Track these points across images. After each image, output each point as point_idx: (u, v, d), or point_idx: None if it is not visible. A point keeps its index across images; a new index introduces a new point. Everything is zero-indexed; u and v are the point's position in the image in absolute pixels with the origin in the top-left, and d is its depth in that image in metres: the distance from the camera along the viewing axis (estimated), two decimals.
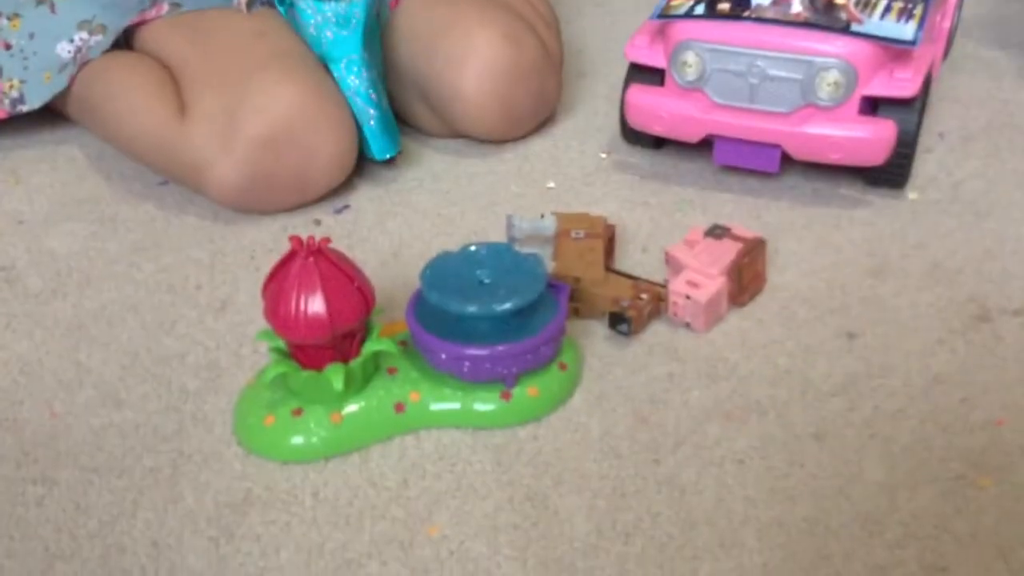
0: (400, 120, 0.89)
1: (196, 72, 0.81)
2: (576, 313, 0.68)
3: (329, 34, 0.81)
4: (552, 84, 0.88)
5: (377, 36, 0.85)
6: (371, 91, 0.82)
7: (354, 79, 0.82)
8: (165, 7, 0.86)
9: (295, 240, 0.58)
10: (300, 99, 0.77)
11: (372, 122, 0.82)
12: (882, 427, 0.59)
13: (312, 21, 0.82)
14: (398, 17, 0.87)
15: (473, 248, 0.64)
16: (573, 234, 0.70)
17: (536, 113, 0.88)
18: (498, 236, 0.77)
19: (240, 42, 0.81)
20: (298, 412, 0.60)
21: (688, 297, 0.66)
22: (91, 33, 0.87)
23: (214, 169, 0.77)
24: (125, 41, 0.88)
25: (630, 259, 0.75)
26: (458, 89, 0.83)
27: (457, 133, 0.88)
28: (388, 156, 0.83)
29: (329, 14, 0.81)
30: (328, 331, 0.57)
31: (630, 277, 0.70)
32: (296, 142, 0.77)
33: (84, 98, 0.87)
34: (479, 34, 0.83)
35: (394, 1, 0.88)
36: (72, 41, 0.87)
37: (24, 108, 0.89)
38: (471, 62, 0.82)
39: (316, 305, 0.57)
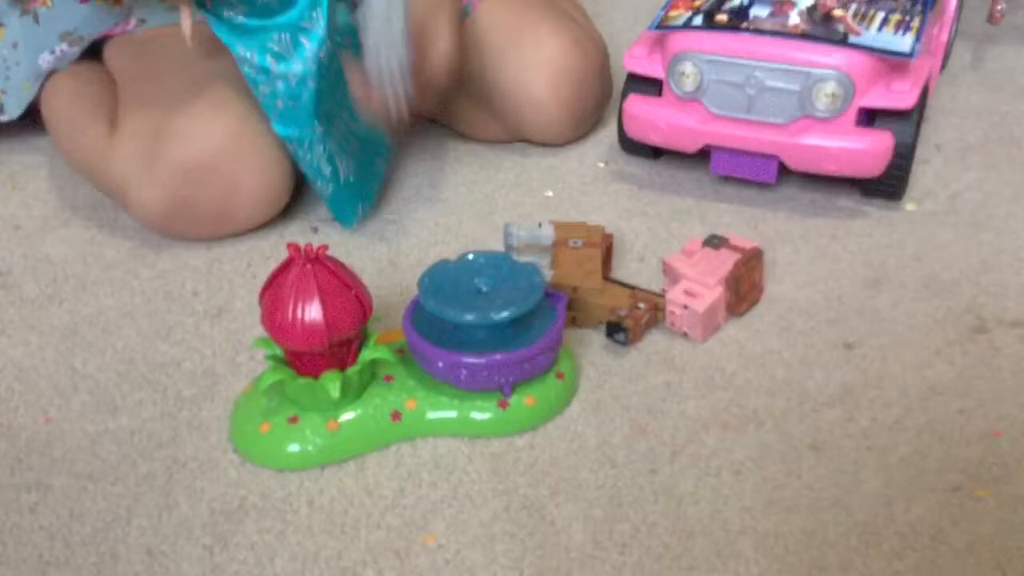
0: (448, 126, 0.91)
1: (132, 90, 0.81)
2: (573, 322, 0.68)
3: (279, 104, 0.73)
4: (608, 87, 0.90)
5: (343, 81, 0.75)
6: (327, 166, 0.76)
7: (305, 154, 0.75)
8: (132, 22, 0.85)
9: (293, 247, 0.58)
10: (228, 130, 0.75)
11: (327, 195, 0.78)
12: (879, 438, 0.59)
13: (259, 89, 0.73)
14: (482, 17, 0.86)
15: (471, 257, 0.64)
16: (571, 243, 0.70)
17: (596, 115, 0.90)
18: (496, 245, 0.77)
19: (181, 65, 0.80)
20: (294, 420, 0.59)
21: (686, 307, 0.66)
22: (71, 44, 0.87)
23: (136, 191, 0.75)
24: (95, 54, 0.88)
25: (628, 268, 0.75)
26: (532, 95, 0.84)
27: (520, 137, 0.89)
28: (347, 227, 0.79)
29: (279, 83, 0.71)
30: (325, 339, 0.57)
31: (628, 286, 0.70)
32: (219, 173, 0.75)
33: (43, 108, 0.87)
34: (551, 43, 0.84)
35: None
36: (53, 52, 0.87)
37: (3, 118, 0.89)
38: (545, 69, 0.84)
39: (313, 312, 0.56)
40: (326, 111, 0.74)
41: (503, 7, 0.87)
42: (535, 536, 0.54)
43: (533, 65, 0.84)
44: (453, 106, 0.89)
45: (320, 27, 0.70)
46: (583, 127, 0.89)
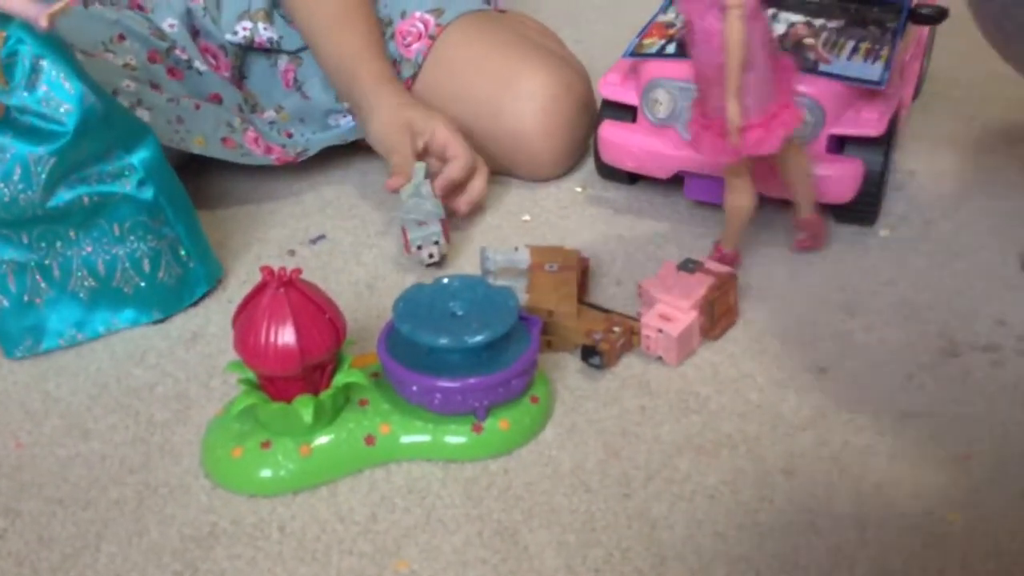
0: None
1: None
2: (549, 346, 0.68)
3: None
4: (593, 116, 0.90)
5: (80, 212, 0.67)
6: (8, 277, 0.67)
7: None
8: None
9: (266, 271, 0.58)
10: None
11: None
12: (851, 462, 0.60)
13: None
14: (439, 61, 0.87)
15: (446, 280, 0.64)
16: (547, 267, 0.70)
17: (584, 146, 0.91)
18: (473, 268, 0.77)
19: None
20: (267, 444, 0.59)
21: (660, 331, 0.66)
22: None
23: None
24: None
25: (604, 292, 0.75)
26: (524, 143, 0.85)
27: (506, 172, 0.89)
28: (9, 357, 0.69)
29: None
30: (298, 363, 0.57)
31: (603, 310, 0.70)
32: None
33: None
34: (540, 90, 0.84)
35: (408, 83, 0.88)
36: None
37: None
38: (537, 116, 0.85)
39: (286, 336, 0.56)
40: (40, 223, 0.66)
41: (473, 42, 0.88)
42: (508, 562, 0.54)
43: (522, 111, 0.85)
44: None
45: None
46: (573, 161, 0.90)
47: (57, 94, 0.62)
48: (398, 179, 0.79)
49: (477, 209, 0.84)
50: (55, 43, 0.62)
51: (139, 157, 0.68)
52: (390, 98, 0.82)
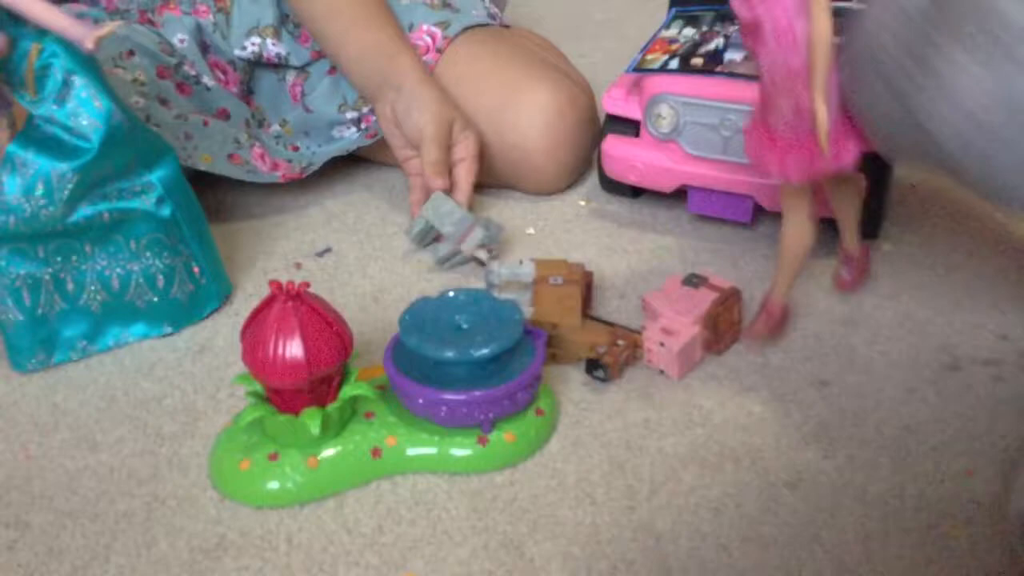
0: None
1: None
2: (553, 359, 0.69)
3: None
4: (597, 130, 0.91)
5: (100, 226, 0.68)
6: (23, 290, 0.67)
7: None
8: None
9: (274, 284, 0.58)
10: None
11: (11, 328, 0.68)
12: (855, 475, 0.60)
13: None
14: (444, 76, 0.88)
15: (452, 294, 0.65)
16: (551, 280, 0.71)
17: (588, 160, 0.91)
18: (477, 282, 0.77)
19: None
20: (274, 456, 0.60)
21: (662, 344, 0.67)
22: None
23: None
24: None
25: (608, 306, 0.76)
26: (529, 159, 0.86)
27: (510, 186, 0.90)
28: (20, 371, 0.69)
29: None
30: (306, 375, 0.57)
31: (607, 324, 0.71)
32: None
33: None
34: (544, 106, 0.85)
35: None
36: None
37: None
38: (542, 132, 0.85)
39: (294, 349, 0.57)
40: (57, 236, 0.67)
41: (478, 57, 0.89)
42: (514, 574, 0.55)
43: (526, 125, 0.85)
44: None
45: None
46: (576, 175, 0.91)
47: (85, 109, 0.63)
48: (440, 179, 0.80)
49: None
50: (88, 60, 0.63)
51: (159, 175, 0.69)
52: (437, 91, 0.83)
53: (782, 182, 0.64)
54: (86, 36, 0.59)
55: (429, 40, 0.89)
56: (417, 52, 0.87)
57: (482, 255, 0.78)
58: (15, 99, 0.63)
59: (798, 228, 0.67)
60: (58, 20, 0.59)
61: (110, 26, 0.60)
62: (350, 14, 0.86)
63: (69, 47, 0.61)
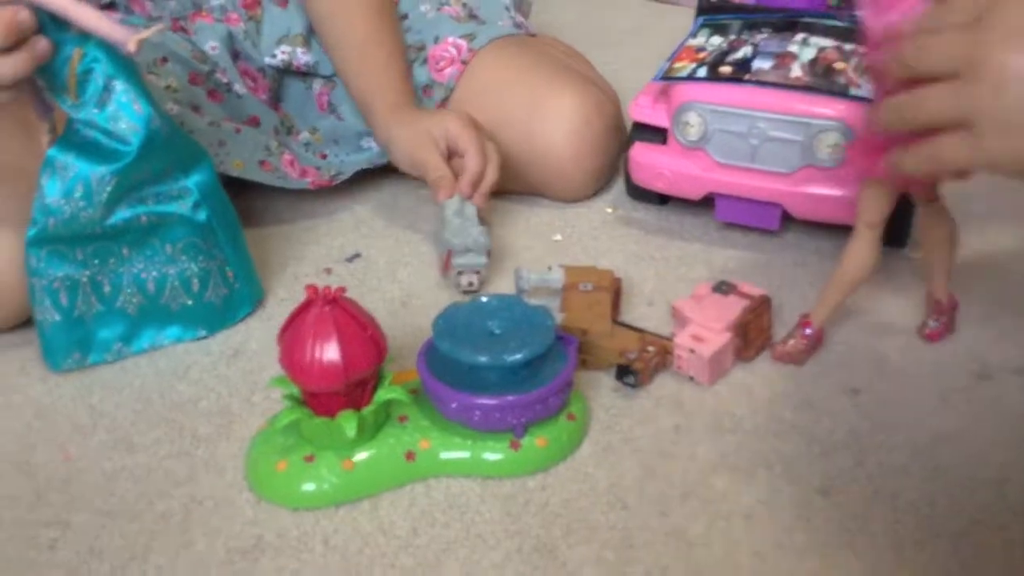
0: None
1: None
2: (584, 365, 0.69)
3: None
4: (623, 137, 0.91)
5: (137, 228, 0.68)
6: (61, 292, 0.68)
7: (36, 261, 0.67)
8: None
9: (311, 289, 0.59)
10: None
11: (49, 328, 0.69)
12: (887, 483, 0.60)
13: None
14: (471, 85, 0.89)
15: (484, 299, 0.65)
16: (581, 287, 0.71)
17: (614, 167, 0.92)
18: (507, 287, 0.78)
19: None
20: (310, 458, 0.60)
21: (692, 351, 0.67)
22: None
23: None
24: None
25: (635, 312, 0.76)
26: (554, 164, 0.87)
27: (537, 193, 0.91)
28: (55, 370, 0.70)
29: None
30: (342, 379, 0.58)
31: (637, 330, 0.71)
32: None
33: None
34: (571, 113, 0.86)
35: (438, 106, 0.90)
36: None
37: None
38: (568, 138, 0.86)
39: (331, 353, 0.58)
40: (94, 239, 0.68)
41: (506, 66, 0.89)
42: None
43: (553, 133, 0.86)
44: None
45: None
46: (603, 182, 0.92)
47: (125, 113, 0.64)
48: (445, 190, 0.80)
49: (490, 197, 0.83)
50: (129, 65, 0.64)
51: (195, 180, 0.70)
52: (404, 122, 0.84)
53: (865, 201, 0.65)
54: (128, 38, 0.60)
55: (454, 51, 0.90)
56: (394, 87, 0.86)
57: (463, 283, 0.78)
58: (56, 103, 0.64)
59: (864, 251, 0.66)
60: (101, 23, 0.60)
61: (151, 29, 0.61)
62: (339, 56, 0.88)
63: (110, 52, 0.62)
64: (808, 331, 0.69)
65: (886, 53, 0.53)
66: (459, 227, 0.78)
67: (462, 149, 0.82)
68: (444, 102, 0.90)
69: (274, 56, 0.93)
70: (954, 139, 0.49)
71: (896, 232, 0.80)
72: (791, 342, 0.69)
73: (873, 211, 0.66)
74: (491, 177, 0.82)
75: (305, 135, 0.95)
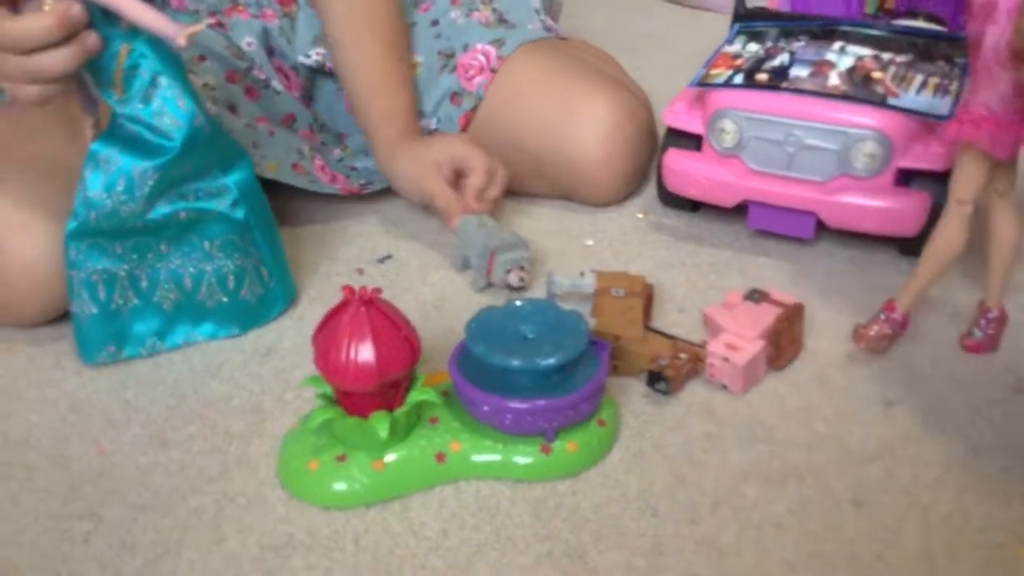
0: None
1: None
2: (615, 370, 0.69)
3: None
4: (655, 142, 0.92)
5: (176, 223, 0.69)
6: (99, 285, 0.69)
7: (76, 254, 0.67)
8: None
9: (348, 289, 0.59)
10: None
11: (85, 320, 0.69)
12: (920, 495, 0.60)
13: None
14: (502, 90, 0.89)
15: (518, 303, 0.65)
16: (613, 292, 0.71)
17: (645, 172, 0.92)
18: (539, 293, 0.78)
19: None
20: (342, 458, 0.60)
21: (726, 359, 0.67)
22: None
23: None
24: None
25: (666, 318, 0.76)
26: (586, 169, 0.87)
27: (569, 199, 0.91)
28: (90, 362, 0.71)
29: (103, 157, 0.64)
30: (376, 379, 0.58)
31: (669, 336, 0.71)
32: None
33: None
34: (605, 116, 0.86)
35: (463, 120, 0.90)
36: None
37: None
38: (600, 143, 0.86)
39: (366, 353, 0.58)
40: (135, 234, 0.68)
41: (538, 68, 0.89)
42: None
43: (585, 137, 0.86)
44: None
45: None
46: (634, 187, 0.91)
47: (170, 109, 0.64)
48: (456, 214, 0.80)
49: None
50: (175, 62, 0.65)
51: (235, 178, 0.70)
52: (407, 153, 0.84)
53: (958, 177, 0.64)
54: (178, 33, 0.60)
55: (483, 59, 0.90)
56: (391, 121, 0.86)
57: (513, 280, 0.77)
58: (102, 98, 0.65)
59: (953, 229, 0.65)
60: (152, 18, 0.61)
61: (200, 24, 0.62)
62: (347, 84, 0.88)
63: (157, 48, 0.63)
64: (893, 315, 0.68)
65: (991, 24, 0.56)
66: (489, 233, 0.78)
67: (469, 167, 0.82)
68: (473, 111, 0.90)
69: (308, 56, 0.94)
70: None
71: (922, 242, 0.80)
72: (875, 328, 0.67)
73: (965, 187, 0.65)
74: (496, 189, 0.83)
75: (337, 152, 0.95)
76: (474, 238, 0.78)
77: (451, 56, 0.92)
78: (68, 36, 0.59)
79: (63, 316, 0.74)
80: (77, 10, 0.59)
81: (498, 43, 0.91)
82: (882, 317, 0.68)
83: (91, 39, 0.61)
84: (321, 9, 0.88)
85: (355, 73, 0.87)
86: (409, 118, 0.87)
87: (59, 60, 0.60)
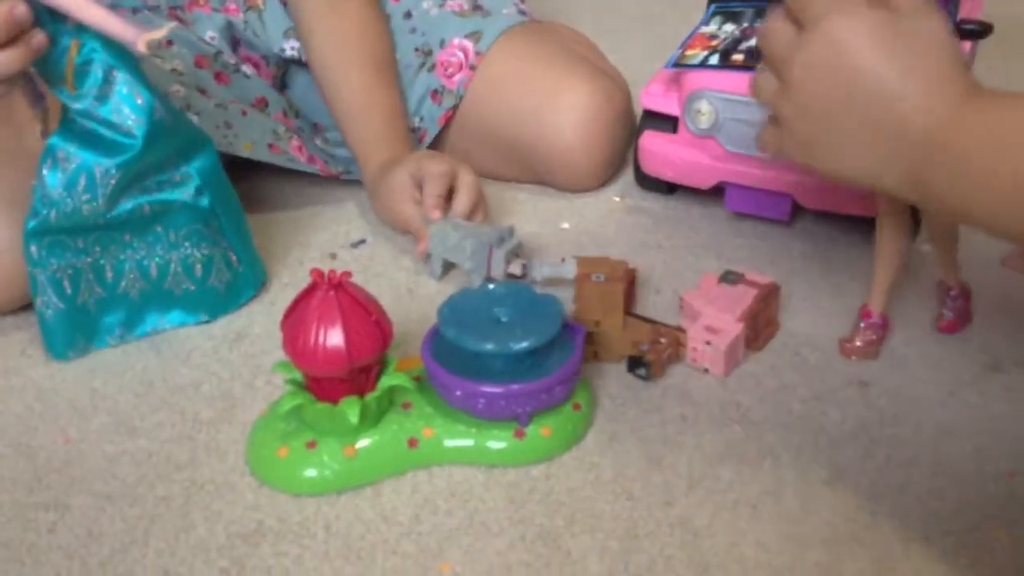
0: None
1: None
2: (595, 357, 0.68)
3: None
4: (632, 126, 0.90)
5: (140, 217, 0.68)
6: (64, 280, 0.67)
7: (37, 252, 0.66)
8: None
9: (316, 273, 0.58)
10: None
11: (51, 317, 0.68)
12: (895, 476, 0.59)
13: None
14: (482, 85, 0.88)
15: (491, 287, 0.65)
16: (593, 278, 0.70)
17: (623, 157, 0.91)
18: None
19: None
20: (312, 444, 0.60)
21: (708, 344, 0.66)
22: None
23: None
24: None
25: (643, 301, 0.75)
26: (563, 156, 0.86)
27: (543, 182, 0.90)
28: (61, 359, 0.69)
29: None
30: (346, 364, 0.57)
31: (649, 321, 0.71)
32: None
33: None
34: (581, 101, 0.85)
35: (443, 119, 0.89)
36: None
37: None
38: (576, 129, 0.85)
39: (335, 338, 0.57)
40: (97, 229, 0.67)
41: (517, 57, 0.88)
42: (551, 567, 0.55)
43: (563, 123, 0.85)
44: (476, 156, 0.89)
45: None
46: (611, 172, 0.91)
47: (128, 105, 0.63)
48: (423, 242, 0.77)
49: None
50: (127, 55, 0.63)
51: (197, 165, 0.69)
52: (382, 188, 0.81)
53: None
54: (138, 38, 0.59)
55: (461, 56, 0.89)
56: (381, 145, 0.84)
57: (516, 270, 0.76)
58: (50, 92, 0.63)
59: (891, 235, 0.66)
60: (110, 22, 0.59)
61: (162, 30, 0.60)
62: (333, 108, 0.87)
63: (108, 42, 0.61)
64: (872, 320, 0.68)
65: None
66: (470, 231, 0.76)
67: (426, 176, 0.78)
68: (454, 109, 0.89)
69: (283, 50, 0.92)
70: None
71: None
72: (859, 338, 0.68)
73: (888, 199, 0.65)
74: (465, 195, 0.79)
75: (318, 141, 0.94)
76: (459, 241, 0.75)
77: (428, 54, 0.91)
78: (13, 37, 0.58)
79: (28, 305, 0.72)
80: (21, 10, 0.58)
81: (475, 36, 0.89)
82: (862, 325, 0.68)
83: (37, 38, 0.59)
84: (302, 36, 0.87)
85: (339, 96, 0.86)
86: (396, 144, 0.85)
87: (4, 62, 0.58)
